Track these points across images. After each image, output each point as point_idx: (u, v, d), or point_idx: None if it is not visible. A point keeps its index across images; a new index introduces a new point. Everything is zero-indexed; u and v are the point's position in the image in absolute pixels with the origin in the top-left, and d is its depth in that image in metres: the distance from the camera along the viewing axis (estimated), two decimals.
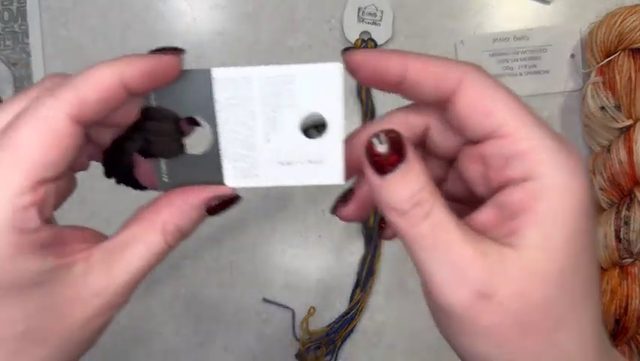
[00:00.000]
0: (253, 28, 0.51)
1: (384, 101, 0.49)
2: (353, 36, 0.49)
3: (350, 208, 0.23)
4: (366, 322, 0.50)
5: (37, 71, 0.50)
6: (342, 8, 0.50)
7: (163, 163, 0.22)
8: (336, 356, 0.49)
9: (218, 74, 0.21)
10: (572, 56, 0.49)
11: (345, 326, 0.49)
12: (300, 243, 0.50)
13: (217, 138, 0.21)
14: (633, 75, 0.44)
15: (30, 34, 0.50)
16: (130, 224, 0.22)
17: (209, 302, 0.52)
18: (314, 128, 0.23)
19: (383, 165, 0.19)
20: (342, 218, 0.24)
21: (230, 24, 0.51)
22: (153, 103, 0.21)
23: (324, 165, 0.21)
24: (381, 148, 0.19)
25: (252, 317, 0.50)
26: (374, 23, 0.49)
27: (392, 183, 0.19)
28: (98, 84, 0.19)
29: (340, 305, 0.50)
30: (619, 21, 0.45)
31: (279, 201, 0.50)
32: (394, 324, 0.50)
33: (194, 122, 0.22)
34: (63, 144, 0.18)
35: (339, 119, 0.21)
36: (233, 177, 0.22)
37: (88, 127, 0.19)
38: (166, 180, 0.22)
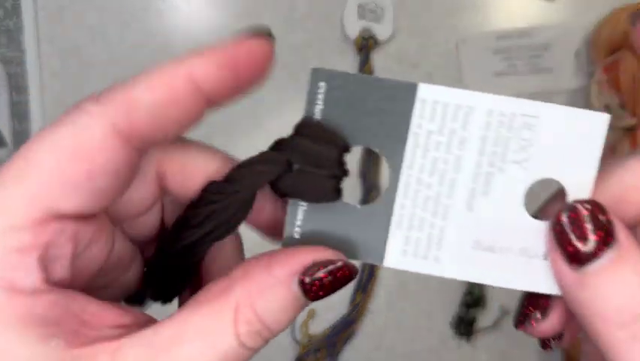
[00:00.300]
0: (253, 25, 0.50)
1: None
2: (353, 33, 0.48)
3: (553, 320, 0.15)
4: (367, 324, 0.49)
5: (32, 70, 0.49)
6: (343, 5, 0.49)
7: (301, 210, 0.16)
8: (337, 359, 0.49)
9: (428, 92, 0.14)
10: (577, 53, 0.49)
11: (345, 328, 0.48)
12: None
13: (395, 187, 0.15)
14: (638, 74, 0.43)
15: (25, 32, 0.50)
16: (191, 304, 0.14)
17: None
18: None
19: (579, 251, 0.13)
20: (537, 335, 0.16)
21: (230, 21, 0.50)
22: (317, 116, 0.15)
23: (547, 262, 0.15)
24: (569, 222, 0.13)
25: None
26: (375, 20, 0.49)
27: (596, 280, 0.13)
28: (155, 82, 0.13)
29: (341, 308, 0.49)
30: (624, 19, 0.44)
31: None
32: (395, 327, 0.49)
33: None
34: (95, 161, 0.12)
35: (586, 196, 0.14)
36: (401, 255, 0.15)
37: (143, 148, 0.13)
38: (297, 236, 0.16)
